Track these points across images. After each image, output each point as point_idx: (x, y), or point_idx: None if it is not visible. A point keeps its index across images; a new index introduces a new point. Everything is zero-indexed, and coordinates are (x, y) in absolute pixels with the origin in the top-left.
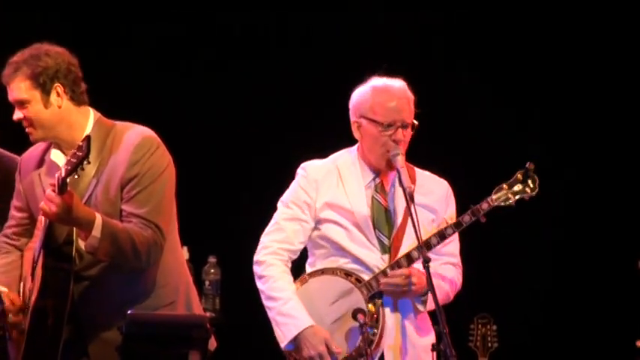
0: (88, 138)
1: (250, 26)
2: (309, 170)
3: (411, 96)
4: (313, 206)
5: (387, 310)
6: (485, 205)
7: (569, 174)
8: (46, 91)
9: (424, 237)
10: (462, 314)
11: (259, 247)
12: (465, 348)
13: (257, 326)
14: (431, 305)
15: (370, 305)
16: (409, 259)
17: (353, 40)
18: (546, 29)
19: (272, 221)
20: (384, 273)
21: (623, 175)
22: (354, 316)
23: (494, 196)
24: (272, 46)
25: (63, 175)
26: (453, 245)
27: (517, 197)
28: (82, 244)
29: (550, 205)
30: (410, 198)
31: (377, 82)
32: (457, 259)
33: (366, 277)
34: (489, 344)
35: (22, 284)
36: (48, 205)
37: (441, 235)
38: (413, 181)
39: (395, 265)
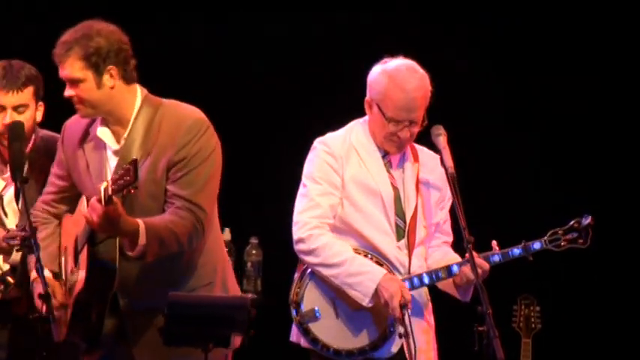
0: (134, 162)
1: None
2: (332, 146)
3: (427, 91)
4: (340, 184)
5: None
6: (537, 245)
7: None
8: (99, 72)
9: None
10: (505, 295)
11: (298, 225)
12: (508, 329)
13: None
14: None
15: None
16: (449, 272)
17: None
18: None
19: (303, 198)
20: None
21: None
22: None
23: (548, 240)
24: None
25: (110, 192)
26: (449, 224)
27: (569, 246)
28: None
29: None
30: (452, 180)
31: (396, 70)
32: (451, 239)
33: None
34: (533, 325)
35: (62, 258)
36: (92, 215)
37: (486, 259)
38: (416, 159)
39: (434, 274)
